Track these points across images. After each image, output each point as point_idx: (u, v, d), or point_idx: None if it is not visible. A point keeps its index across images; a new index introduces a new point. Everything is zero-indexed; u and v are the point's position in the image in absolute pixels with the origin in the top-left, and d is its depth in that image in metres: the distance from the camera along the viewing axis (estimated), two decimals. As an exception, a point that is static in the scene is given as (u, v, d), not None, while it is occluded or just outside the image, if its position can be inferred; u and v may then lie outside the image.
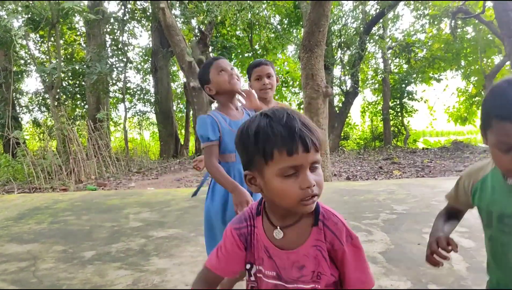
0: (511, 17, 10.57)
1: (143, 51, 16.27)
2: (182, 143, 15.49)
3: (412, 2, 15.82)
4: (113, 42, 14.76)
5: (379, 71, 17.30)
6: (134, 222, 4.07)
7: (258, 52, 17.38)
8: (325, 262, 0.95)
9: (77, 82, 14.61)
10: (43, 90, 13.65)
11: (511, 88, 0.99)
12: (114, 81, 14.22)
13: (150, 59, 15.11)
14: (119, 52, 14.27)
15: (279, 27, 16.27)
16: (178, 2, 12.76)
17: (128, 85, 14.83)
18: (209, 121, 1.84)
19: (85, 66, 11.96)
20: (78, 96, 14.99)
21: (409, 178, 7.91)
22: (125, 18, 14.16)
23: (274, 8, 15.41)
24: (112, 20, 14.03)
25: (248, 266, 1.03)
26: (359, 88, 15.97)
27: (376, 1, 15.08)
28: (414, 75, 17.08)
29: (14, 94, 12.71)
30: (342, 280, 0.98)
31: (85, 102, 14.87)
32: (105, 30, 14.11)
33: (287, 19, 16.21)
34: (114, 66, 13.25)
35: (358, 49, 14.47)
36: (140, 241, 3.32)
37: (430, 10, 15.91)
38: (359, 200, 4.70)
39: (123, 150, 12.93)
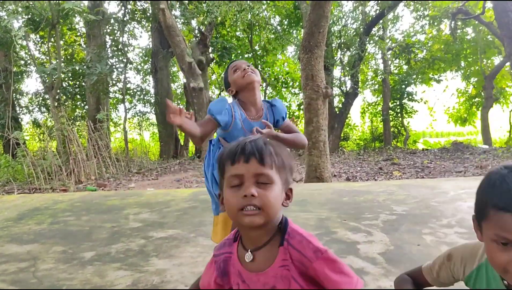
0: (511, 18, 10.58)
1: (143, 51, 16.29)
2: (182, 143, 15.49)
3: (412, 3, 15.84)
4: (113, 43, 14.77)
5: (379, 72, 17.32)
6: (133, 222, 4.07)
7: (258, 52, 17.40)
8: (295, 282, 0.95)
9: (77, 82, 14.62)
10: (43, 90, 13.66)
11: (511, 175, 0.90)
12: (114, 82, 14.23)
13: (150, 59, 15.12)
14: (119, 53, 14.28)
15: (279, 28, 16.29)
16: (178, 3, 12.78)
17: (128, 85, 14.86)
18: (226, 106, 1.92)
19: (85, 66, 11.97)
20: (78, 96, 15.00)
21: (409, 179, 7.92)
22: (125, 18, 14.17)
23: (274, 9, 15.43)
24: (112, 21, 14.04)
25: None
26: (359, 89, 15.98)
27: (376, 2, 15.09)
28: (414, 76, 17.09)
29: (14, 94, 12.72)
30: None
31: (85, 102, 14.88)
32: (105, 30, 14.12)
33: (287, 20, 16.22)
34: (114, 66, 13.25)
35: (358, 50, 14.48)
36: (139, 242, 3.32)
37: (430, 11, 15.92)
38: (358, 201, 4.71)
39: (123, 151, 12.94)
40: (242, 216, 0.94)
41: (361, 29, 14.69)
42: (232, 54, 15.74)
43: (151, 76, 15.33)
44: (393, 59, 17.91)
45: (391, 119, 17.11)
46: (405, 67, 17.97)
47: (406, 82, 16.89)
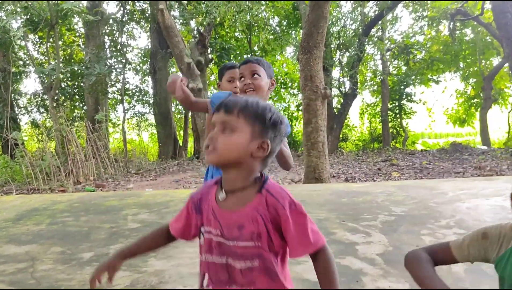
0: (510, 19, 10.61)
1: (142, 52, 16.28)
2: (181, 144, 15.48)
3: (411, 3, 15.86)
4: (112, 43, 14.76)
5: (377, 72, 17.34)
6: (132, 223, 4.06)
7: (257, 53, 17.40)
8: (264, 226, 1.02)
9: (76, 83, 14.60)
10: (42, 91, 13.63)
11: None
12: (113, 82, 14.22)
13: (149, 60, 15.11)
14: (118, 53, 14.27)
15: (278, 28, 16.30)
16: (177, 4, 12.78)
17: (127, 86, 14.84)
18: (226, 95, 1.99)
19: (84, 67, 11.96)
20: (77, 97, 14.98)
21: (408, 180, 7.93)
22: (124, 19, 14.16)
23: (273, 10, 15.43)
24: (111, 21, 14.03)
25: (201, 229, 1.13)
26: (357, 90, 16.00)
27: (374, 2, 15.11)
28: (413, 77, 17.11)
29: (12, 95, 12.69)
30: (289, 249, 1.05)
31: (83, 103, 14.86)
32: (104, 31, 14.11)
33: (286, 20, 16.24)
34: (113, 67, 13.24)
35: (357, 50, 14.50)
36: (138, 243, 3.31)
37: (428, 12, 15.95)
38: (357, 201, 4.71)
39: (121, 152, 12.93)
40: (205, 154, 1.10)
41: (360, 30, 14.71)
42: (231, 55, 15.75)
43: (150, 76, 15.33)
44: (392, 60, 17.92)
45: (390, 120, 17.12)
46: (404, 68, 17.98)
47: (405, 83, 16.90)
